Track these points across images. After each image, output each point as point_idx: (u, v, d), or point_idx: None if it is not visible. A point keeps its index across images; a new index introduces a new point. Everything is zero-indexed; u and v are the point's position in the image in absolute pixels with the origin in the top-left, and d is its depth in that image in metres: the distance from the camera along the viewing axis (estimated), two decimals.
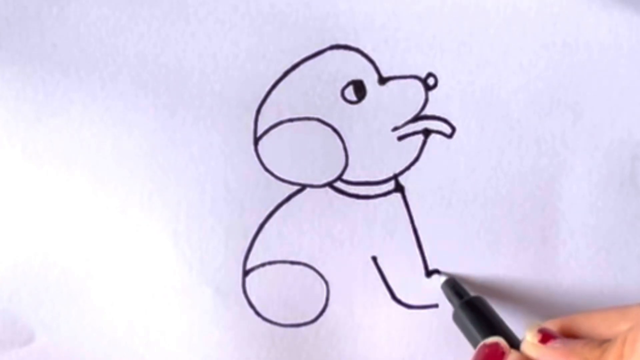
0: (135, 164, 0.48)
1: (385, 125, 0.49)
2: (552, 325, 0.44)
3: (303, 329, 0.49)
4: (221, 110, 0.48)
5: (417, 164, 0.49)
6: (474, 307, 0.47)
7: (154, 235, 0.48)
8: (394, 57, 0.48)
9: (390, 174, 0.49)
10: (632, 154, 0.49)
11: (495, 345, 0.44)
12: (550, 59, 0.48)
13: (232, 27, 0.48)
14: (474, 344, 0.45)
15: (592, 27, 0.48)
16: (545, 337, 0.43)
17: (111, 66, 0.47)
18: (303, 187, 0.49)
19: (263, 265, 0.49)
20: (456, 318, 0.47)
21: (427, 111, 0.49)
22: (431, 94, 0.49)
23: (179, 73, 0.48)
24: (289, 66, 0.48)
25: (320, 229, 0.49)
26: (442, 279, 0.49)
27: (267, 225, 0.48)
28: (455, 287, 0.48)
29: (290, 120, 0.48)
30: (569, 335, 0.44)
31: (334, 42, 0.48)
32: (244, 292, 0.49)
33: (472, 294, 0.48)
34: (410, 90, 0.49)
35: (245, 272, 0.49)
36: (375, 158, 0.49)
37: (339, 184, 0.49)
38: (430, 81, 0.48)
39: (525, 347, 0.44)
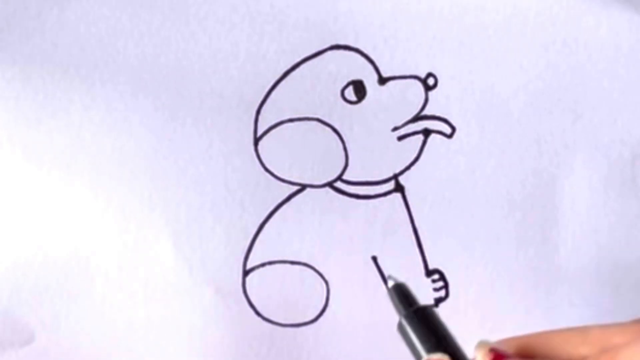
0: (136, 164, 0.48)
1: (385, 125, 0.49)
2: (506, 345, 0.42)
3: (303, 329, 0.49)
4: (221, 110, 0.48)
5: (417, 164, 0.49)
6: (422, 318, 0.41)
7: (154, 235, 0.48)
8: (394, 57, 0.48)
9: (390, 174, 0.49)
10: (632, 154, 0.49)
11: None
12: (550, 59, 0.48)
13: (232, 27, 0.48)
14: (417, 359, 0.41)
15: (592, 27, 0.48)
16: (497, 357, 0.40)
17: (111, 66, 0.47)
18: (303, 187, 0.49)
19: (263, 265, 0.49)
20: (400, 328, 0.42)
21: (427, 111, 0.49)
22: (431, 94, 0.49)
23: (179, 73, 0.48)
24: (289, 66, 0.48)
25: (320, 229, 0.49)
26: (391, 282, 0.46)
27: (267, 225, 0.48)
28: (403, 294, 0.43)
29: (290, 120, 0.48)
30: (525, 355, 0.42)
31: (334, 42, 0.48)
32: (244, 292, 0.49)
33: (421, 303, 0.43)
34: (410, 90, 0.49)
35: (245, 272, 0.49)
36: (375, 158, 0.49)
37: (339, 184, 0.49)
38: (430, 81, 0.49)
39: None
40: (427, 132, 0.49)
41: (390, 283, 0.45)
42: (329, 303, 0.49)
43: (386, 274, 0.49)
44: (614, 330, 0.40)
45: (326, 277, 0.49)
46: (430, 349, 0.40)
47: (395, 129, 0.49)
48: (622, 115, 0.49)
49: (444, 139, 0.49)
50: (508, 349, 0.41)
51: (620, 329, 0.39)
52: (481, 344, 0.40)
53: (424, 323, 0.41)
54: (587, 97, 0.49)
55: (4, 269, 0.48)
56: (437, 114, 0.49)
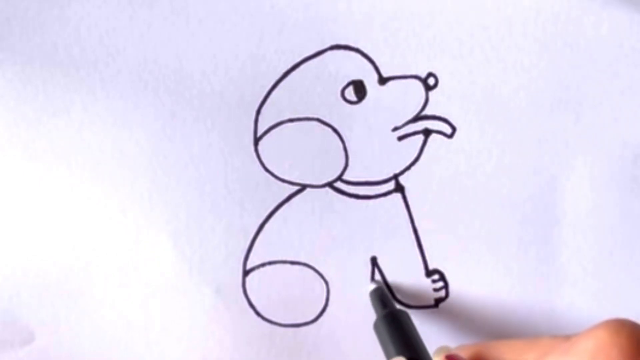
0: (136, 164, 0.48)
1: (385, 125, 0.49)
2: (464, 351, 0.44)
3: (303, 329, 0.49)
4: (221, 110, 0.48)
5: (417, 164, 0.49)
6: (395, 321, 0.46)
7: (154, 235, 0.48)
8: (394, 57, 0.48)
9: (390, 174, 0.49)
10: (633, 154, 0.49)
11: None
12: (550, 59, 0.48)
13: (232, 27, 0.48)
14: (388, 358, 0.45)
15: (592, 27, 0.48)
16: None
17: (111, 66, 0.47)
18: (303, 187, 0.49)
19: (263, 265, 0.49)
20: (376, 328, 0.47)
21: (427, 111, 0.49)
22: (431, 94, 0.49)
23: (179, 73, 0.48)
24: (289, 66, 0.48)
25: (320, 229, 0.49)
26: (372, 286, 0.48)
27: (267, 225, 0.49)
28: (382, 297, 0.48)
29: (290, 120, 0.48)
30: None
31: (334, 42, 0.48)
32: (244, 292, 0.49)
33: (398, 307, 0.47)
34: (410, 90, 0.48)
35: (245, 272, 0.49)
36: (375, 158, 0.49)
37: (339, 184, 0.49)
38: (431, 81, 0.48)
39: None
40: (427, 132, 0.49)
41: (372, 286, 0.47)
42: (329, 303, 0.49)
43: (386, 274, 0.49)
44: (561, 340, 0.41)
45: (326, 277, 0.49)
46: (400, 351, 0.44)
47: (396, 129, 0.49)
48: (623, 115, 0.49)
49: (444, 139, 0.49)
50: (465, 355, 0.43)
51: (566, 339, 0.41)
52: (439, 350, 0.43)
53: (395, 325, 0.45)
54: (588, 96, 0.49)
55: (4, 269, 0.48)
56: (438, 114, 0.49)
